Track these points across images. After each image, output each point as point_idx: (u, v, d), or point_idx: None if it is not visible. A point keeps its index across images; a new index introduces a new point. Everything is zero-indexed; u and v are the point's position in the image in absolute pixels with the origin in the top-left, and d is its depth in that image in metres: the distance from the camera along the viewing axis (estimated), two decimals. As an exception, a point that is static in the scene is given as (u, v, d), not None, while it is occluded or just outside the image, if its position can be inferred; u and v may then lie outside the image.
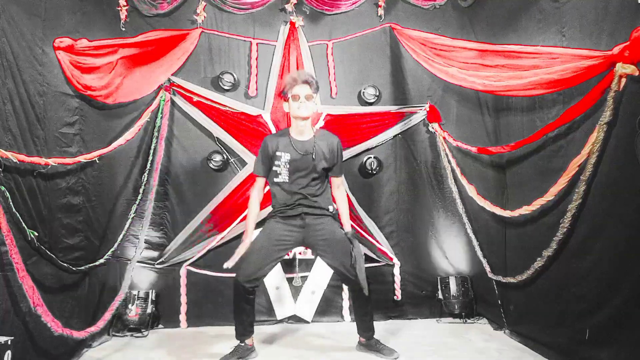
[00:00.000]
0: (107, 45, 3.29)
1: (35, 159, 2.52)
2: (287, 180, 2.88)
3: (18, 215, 2.37)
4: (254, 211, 2.99)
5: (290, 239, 2.91)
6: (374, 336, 3.04)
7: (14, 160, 2.32)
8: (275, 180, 2.92)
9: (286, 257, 3.80)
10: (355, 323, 3.09)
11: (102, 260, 3.28)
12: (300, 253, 3.81)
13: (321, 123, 3.82)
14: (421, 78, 3.92)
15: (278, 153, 2.90)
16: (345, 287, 3.82)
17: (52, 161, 2.65)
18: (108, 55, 3.29)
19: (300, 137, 2.93)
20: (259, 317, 3.73)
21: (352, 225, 3.72)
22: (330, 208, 2.98)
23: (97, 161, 3.15)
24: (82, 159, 2.99)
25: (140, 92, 3.53)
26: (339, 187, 3.09)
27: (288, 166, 2.87)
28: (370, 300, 2.99)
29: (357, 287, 2.91)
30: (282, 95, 2.95)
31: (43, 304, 2.38)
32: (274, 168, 2.91)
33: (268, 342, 3.31)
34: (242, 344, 2.96)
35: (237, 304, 2.92)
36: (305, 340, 3.37)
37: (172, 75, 3.72)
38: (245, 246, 2.85)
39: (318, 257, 3.81)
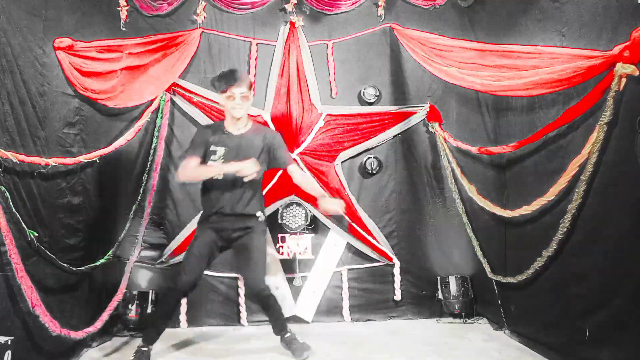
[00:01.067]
0: (107, 46, 3.29)
1: (35, 159, 2.52)
2: (220, 178, 2.83)
3: (18, 215, 2.37)
4: (199, 168, 2.86)
5: (219, 243, 2.94)
6: (288, 333, 3.02)
7: (14, 160, 2.32)
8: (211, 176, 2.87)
9: (286, 257, 3.83)
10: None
11: (102, 261, 3.28)
12: (300, 253, 3.81)
13: (321, 123, 3.83)
14: (421, 78, 3.92)
15: (213, 147, 2.87)
16: (345, 287, 3.83)
17: (52, 161, 2.65)
18: (111, 62, 3.29)
19: (235, 131, 2.92)
20: (259, 317, 3.73)
21: (351, 225, 3.80)
22: (259, 214, 2.94)
23: (97, 161, 3.15)
24: (82, 159, 2.99)
25: (143, 97, 3.52)
26: (294, 173, 2.94)
27: (222, 161, 2.84)
28: (275, 301, 2.98)
29: (251, 292, 2.95)
30: (215, 87, 2.91)
31: (41, 304, 2.38)
32: (209, 162, 2.86)
33: (268, 342, 3.31)
34: (145, 349, 2.88)
35: (167, 309, 2.98)
36: (305, 340, 3.36)
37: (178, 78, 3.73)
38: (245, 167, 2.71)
39: (318, 257, 3.83)
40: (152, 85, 3.55)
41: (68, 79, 2.97)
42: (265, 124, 3.75)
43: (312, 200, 3.80)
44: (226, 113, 2.94)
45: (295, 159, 3.62)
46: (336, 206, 2.73)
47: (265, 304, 2.96)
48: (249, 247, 2.89)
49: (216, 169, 2.81)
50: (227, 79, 2.83)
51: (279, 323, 3.04)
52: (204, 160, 2.88)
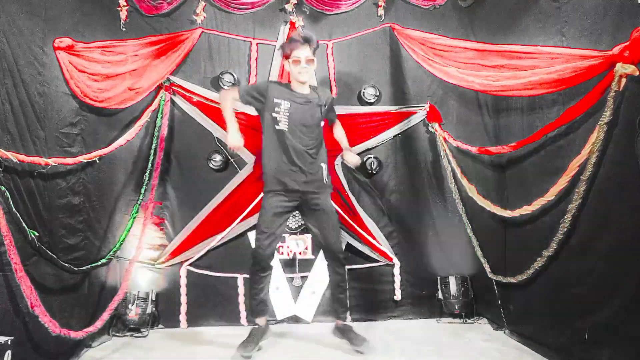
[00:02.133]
0: (108, 47, 3.29)
1: (36, 159, 2.52)
2: (287, 129, 2.93)
3: (18, 215, 2.37)
4: (229, 107, 3.03)
5: (289, 205, 3.05)
6: (347, 322, 3.14)
7: (14, 160, 2.33)
8: (276, 127, 2.95)
9: (286, 257, 3.83)
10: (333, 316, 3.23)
11: (102, 261, 3.28)
12: (300, 253, 3.81)
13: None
14: (421, 78, 3.92)
15: (277, 100, 2.94)
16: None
17: (52, 161, 2.65)
18: (113, 64, 3.29)
19: (300, 90, 3.03)
20: (259, 317, 3.74)
21: (351, 225, 3.80)
22: (324, 167, 3.07)
23: (97, 161, 3.15)
24: (82, 158, 2.98)
25: (136, 97, 3.49)
26: (337, 127, 3.36)
27: (287, 114, 2.93)
28: (346, 273, 3.17)
29: (335, 257, 3.07)
30: (284, 54, 3.00)
31: (41, 304, 2.38)
32: (274, 114, 2.94)
33: (268, 342, 3.31)
34: (255, 327, 3.06)
35: (253, 276, 3.08)
36: (305, 340, 3.37)
37: (171, 75, 3.72)
38: (230, 138, 2.87)
39: (318, 257, 3.82)
40: (147, 83, 3.52)
41: (66, 80, 2.96)
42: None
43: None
44: (292, 77, 3.06)
45: None
46: (356, 159, 3.16)
47: (341, 271, 3.13)
48: (326, 210, 3.08)
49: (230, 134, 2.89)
50: (292, 42, 2.91)
51: (342, 299, 3.16)
52: (264, 110, 2.99)
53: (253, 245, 3.78)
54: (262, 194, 3.15)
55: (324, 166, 3.10)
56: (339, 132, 3.35)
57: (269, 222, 3.00)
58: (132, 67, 3.42)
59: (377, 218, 3.91)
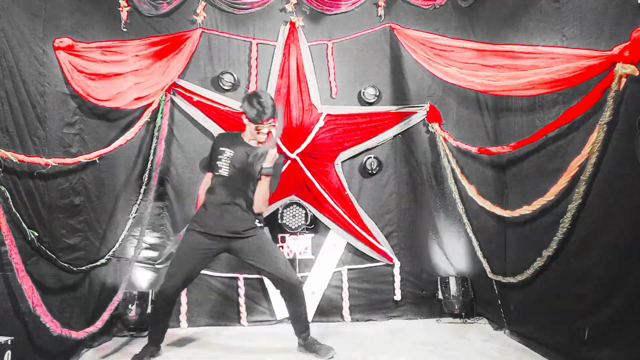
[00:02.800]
0: (109, 47, 3.29)
1: (35, 159, 2.52)
2: (226, 175, 2.90)
3: (18, 215, 2.37)
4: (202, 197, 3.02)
5: (215, 248, 2.93)
6: (310, 335, 3.05)
7: (14, 161, 2.32)
8: (216, 173, 2.93)
9: (286, 257, 3.82)
10: (306, 325, 3.08)
11: (103, 261, 3.28)
12: (300, 253, 3.81)
13: (321, 123, 3.83)
14: (421, 78, 3.92)
15: (222, 148, 2.95)
16: (345, 287, 3.83)
17: (52, 161, 2.65)
18: (113, 64, 3.28)
19: (250, 142, 2.97)
20: (259, 317, 3.75)
21: (351, 225, 3.79)
22: (257, 221, 2.96)
23: (98, 161, 3.14)
24: (82, 159, 2.98)
25: (142, 100, 3.49)
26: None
27: (229, 161, 2.91)
28: (303, 298, 3.03)
29: (289, 287, 2.95)
30: (246, 116, 2.89)
31: (42, 304, 2.38)
32: (217, 162, 2.93)
33: (268, 342, 3.31)
34: (152, 347, 2.99)
35: (157, 314, 3.01)
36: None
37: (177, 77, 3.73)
38: None
39: (318, 257, 3.83)
40: (152, 87, 3.53)
41: (67, 80, 2.96)
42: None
43: (312, 200, 3.82)
44: (247, 129, 2.95)
45: (294, 159, 3.77)
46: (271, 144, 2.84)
47: (298, 297, 2.99)
48: (264, 245, 2.97)
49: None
50: (257, 112, 2.81)
51: (302, 320, 3.05)
52: (213, 162, 2.96)
53: None
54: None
55: (258, 222, 2.97)
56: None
57: (181, 259, 2.91)
58: (134, 68, 3.42)
59: (377, 218, 3.91)
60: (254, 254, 2.93)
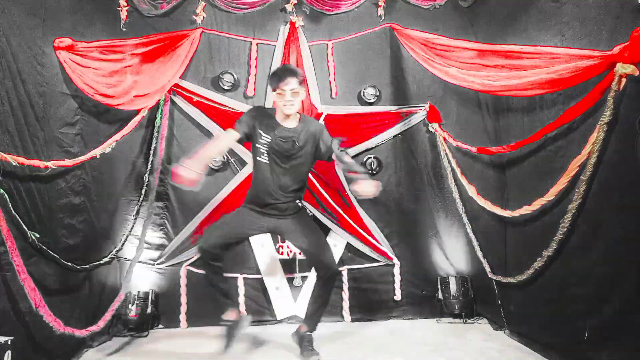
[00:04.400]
0: (109, 46, 3.29)
1: (35, 162, 2.52)
2: (266, 161, 2.86)
3: (18, 217, 2.37)
4: (209, 149, 2.83)
5: (262, 224, 2.94)
6: (310, 333, 3.01)
7: (14, 163, 2.32)
8: (258, 158, 2.88)
9: (286, 257, 3.83)
10: (309, 317, 3.07)
11: (104, 261, 3.28)
12: (300, 253, 3.81)
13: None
14: (421, 78, 3.92)
15: (259, 131, 2.85)
16: (345, 287, 3.83)
17: (51, 164, 2.65)
18: (113, 62, 3.28)
19: (286, 123, 2.88)
20: (259, 317, 3.74)
21: (351, 225, 3.79)
22: (298, 201, 2.98)
23: (98, 156, 3.13)
24: (80, 160, 2.97)
25: (146, 101, 3.48)
26: (343, 157, 2.80)
27: (267, 147, 2.85)
28: (330, 290, 3.02)
29: (326, 273, 2.92)
30: (271, 87, 2.87)
31: (45, 304, 2.38)
32: (257, 145, 2.86)
33: (268, 342, 3.31)
34: (227, 321, 2.98)
35: (206, 273, 3.03)
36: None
37: (181, 78, 3.73)
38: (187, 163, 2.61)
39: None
40: (150, 85, 3.51)
41: (71, 79, 2.95)
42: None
43: (312, 200, 3.82)
44: (277, 107, 2.90)
45: None
46: (372, 189, 2.57)
47: (331, 285, 2.99)
48: (307, 225, 2.98)
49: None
50: (277, 77, 2.80)
51: (316, 313, 3.02)
52: (253, 141, 2.89)
53: (253, 246, 3.79)
54: None
55: (299, 201, 2.99)
56: (346, 159, 2.79)
57: (230, 222, 2.95)
58: (131, 66, 3.41)
59: (377, 218, 3.91)
60: (299, 235, 2.93)
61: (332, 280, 2.98)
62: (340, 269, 3.85)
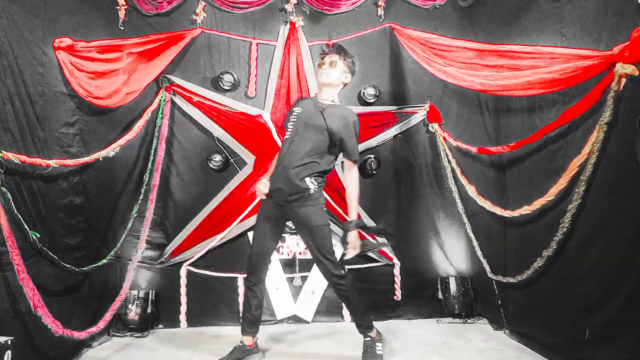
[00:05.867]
0: (108, 46, 3.28)
1: (37, 160, 2.52)
2: (289, 135, 2.84)
3: (19, 216, 2.37)
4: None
5: (278, 215, 2.88)
6: (371, 335, 2.89)
7: (15, 161, 2.33)
8: (285, 137, 2.90)
9: (286, 257, 3.83)
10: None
11: (104, 261, 3.28)
12: (300, 253, 3.82)
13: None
14: (421, 78, 3.92)
15: (294, 108, 2.95)
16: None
17: (53, 162, 2.65)
18: (111, 62, 3.27)
19: (321, 97, 2.94)
20: (259, 317, 3.73)
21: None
22: (311, 187, 2.75)
23: (101, 159, 3.13)
24: (83, 161, 2.98)
25: (138, 93, 3.48)
26: (350, 170, 2.85)
27: (296, 119, 2.86)
28: (348, 293, 2.85)
29: (329, 279, 2.84)
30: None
31: (44, 305, 2.38)
32: (287, 123, 2.92)
33: (268, 342, 3.31)
34: (240, 344, 2.92)
35: (245, 301, 2.96)
36: (305, 340, 3.38)
37: (170, 74, 3.71)
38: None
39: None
40: (146, 80, 3.52)
41: (67, 80, 2.96)
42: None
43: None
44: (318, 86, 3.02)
45: None
46: (355, 246, 2.80)
47: (341, 290, 2.85)
48: (310, 219, 2.80)
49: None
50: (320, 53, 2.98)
51: (358, 320, 2.92)
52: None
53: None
54: None
55: (309, 180, 2.77)
56: (348, 178, 2.87)
57: (257, 225, 2.95)
58: (131, 65, 3.41)
59: (377, 218, 3.91)
60: (301, 228, 2.88)
61: (338, 285, 2.83)
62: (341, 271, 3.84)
